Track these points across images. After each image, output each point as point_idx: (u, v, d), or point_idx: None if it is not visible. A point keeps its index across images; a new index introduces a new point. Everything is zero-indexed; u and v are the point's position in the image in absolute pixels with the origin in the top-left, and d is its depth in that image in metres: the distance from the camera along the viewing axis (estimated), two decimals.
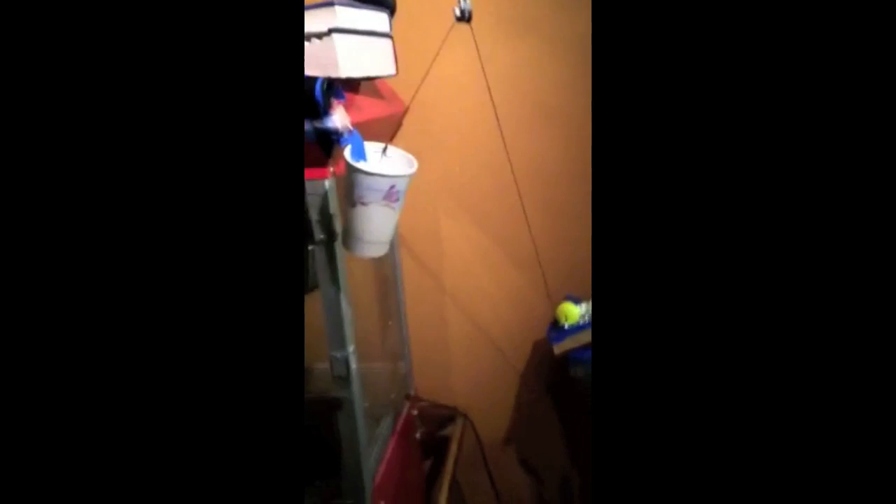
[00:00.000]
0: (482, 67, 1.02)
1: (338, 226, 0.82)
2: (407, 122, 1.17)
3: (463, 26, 1.13)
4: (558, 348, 1.16)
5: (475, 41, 0.96)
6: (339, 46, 0.78)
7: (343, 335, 0.86)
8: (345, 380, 0.87)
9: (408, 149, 0.81)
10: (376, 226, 0.76)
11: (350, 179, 0.73)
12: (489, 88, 1.04)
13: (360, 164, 0.73)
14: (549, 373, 1.34)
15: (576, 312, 1.18)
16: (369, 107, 0.94)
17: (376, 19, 0.91)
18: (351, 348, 0.87)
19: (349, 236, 0.78)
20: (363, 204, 0.73)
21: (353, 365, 0.88)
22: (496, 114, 1.07)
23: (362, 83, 0.95)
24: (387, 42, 0.95)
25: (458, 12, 0.88)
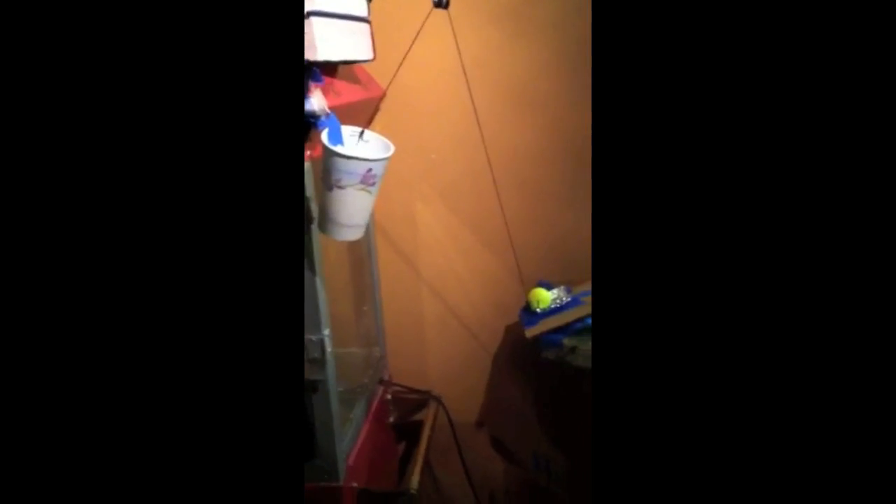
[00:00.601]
0: (459, 53, 1.03)
1: (314, 209, 0.82)
2: (384, 106, 1.17)
3: (440, 12, 1.13)
4: (530, 332, 1.19)
5: (452, 27, 0.97)
6: (318, 29, 0.78)
7: (318, 318, 0.86)
8: (319, 362, 0.88)
9: (385, 133, 0.82)
10: (353, 209, 0.77)
11: (327, 163, 0.73)
12: (465, 73, 1.05)
13: (338, 148, 0.73)
14: (521, 356, 1.37)
15: (548, 297, 1.21)
16: (347, 91, 0.94)
17: (354, 3, 0.90)
18: (326, 331, 0.88)
19: (325, 219, 0.78)
20: (340, 187, 0.74)
21: (329, 348, 0.88)
22: (472, 98, 1.08)
23: (340, 68, 0.95)
24: (365, 27, 0.94)
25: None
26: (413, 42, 0.91)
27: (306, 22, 0.77)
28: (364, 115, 1.14)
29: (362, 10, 0.93)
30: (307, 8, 0.77)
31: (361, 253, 1.29)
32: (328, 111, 0.76)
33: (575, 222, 1.28)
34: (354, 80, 1.03)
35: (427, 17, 0.91)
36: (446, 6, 0.89)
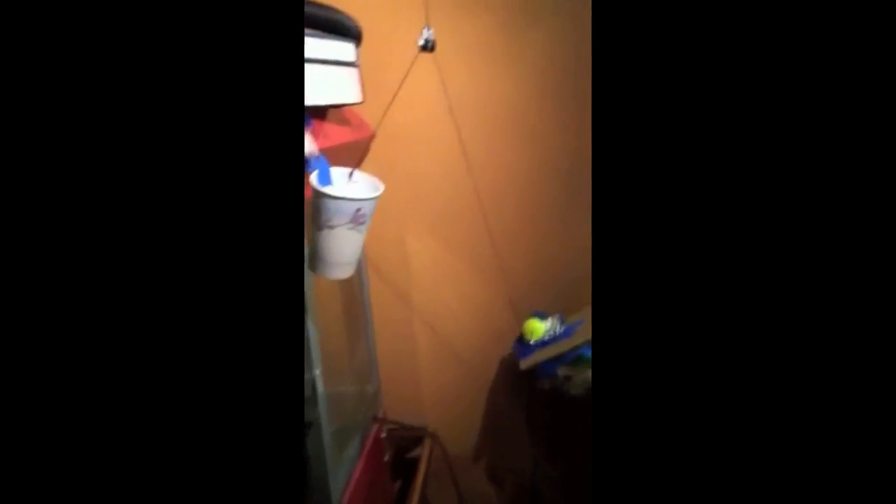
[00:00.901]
0: (446, 93, 1.06)
1: (304, 249, 0.83)
2: (374, 146, 1.20)
3: (426, 54, 1.17)
4: (524, 363, 1.19)
5: (439, 69, 1.00)
6: (306, 75, 0.80)
7: (310, 357, 0.86)
8: (312, 401, 0.88)
9: (375, 172, 0.83)
10: (343, 248, 0.78)
11: (317, 203, 0.75)
12: (452, 111, 1.07)
13: (327, 189, 0.74)
14: (516, 386, 1.37)
15: (541, 328, 1.21)
16: (336, 133, 0.96)
17: (342, 49, 0.93)
18: (317, 371, 0.88)
19: (316, 259, 0.79)
20: (330, 227, 0.75)
21: (320, 388, 0.88)
22: (459, 135, 1.11)
23: (329, 110, 0.98)
24: (353, 70, 0.97)
25: (421, 42, 0.91)
26: (401, 84, 0.94)
27: None
28: (354, 155, 1.17)
29: (350, 56, 0.96)
30: None
31: (353, 289, 1.29)
32: (317, 153, 0.78)
33: (564, 250, 1.29)
34: (344, 122, 1.05)
35: (414, 60, 0.94)
36: (432, 49, 0.92)
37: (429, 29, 0.92)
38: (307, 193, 0.80)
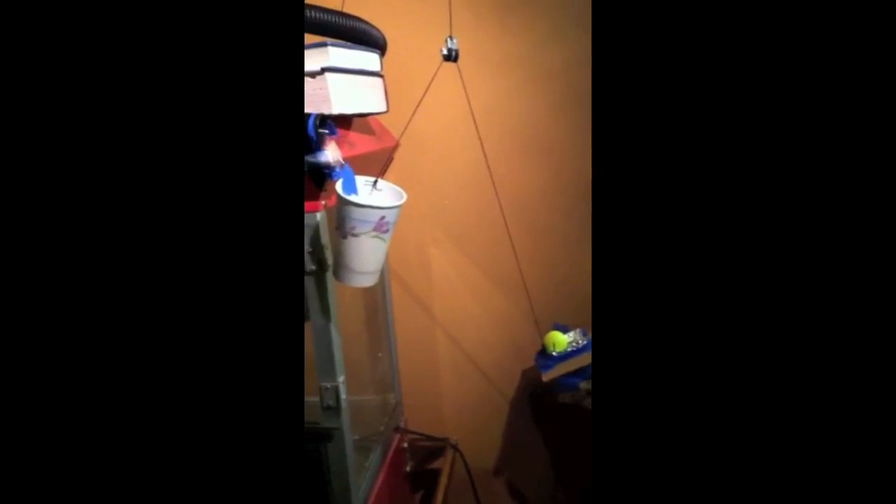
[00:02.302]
0: (469, 102, 1.06)
1: (328, 257, 0.83)
2: (398, 155, 1.21)
3: (450, 64, 1.17)
4: (547, 376, 1.18)
5: (462, 78, 1.00)
6: (332, 84, 0.81)
7: (333, 365, 0.86)
8: (335, 410, 0.88)
9: (398, 179, 0.84)
10: (367, 256, 0.78)
11: (341, 212, 0.75)
12: (475, 120, 1.08)
13: (351, 197, 0.75)
14: (538, 400, 1.35)
15: (563, 340, 1.20)
16: (361, 142, 0.97)
17: (368, 59, 0.94)
18: (341, 378, 0.88)
19: (340, 267, 0.80)
20: (354, 235, 0.75)
21: (343, 395, 0.88)
22: (482, 144, 1.11)
23: (354, 119, 0.98)
24: (378, 80, 0.98)
25: (445, 52, 0.92)
26: (424, 93, 0.95)
27: (321, 77, 0.81)
28: (378, 164, 1.17)
29: (375, 65, 0.97)
30: (322, 64, 0.81)
31: (376, 298, 1.30)
32: (342, 162, 0.78)
33: (585, 263, 1.28)
34: (368, 131, 1.06)
35: (437, 69, 0.95)
36: (455, 59, 0.93)
37: (452, 39, 0.92)
38: (331, 202, 0.81)
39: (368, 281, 0.81)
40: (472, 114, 1.08)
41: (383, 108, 1.00)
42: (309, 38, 0.81)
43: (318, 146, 0.77)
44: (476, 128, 1.09)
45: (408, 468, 1.31)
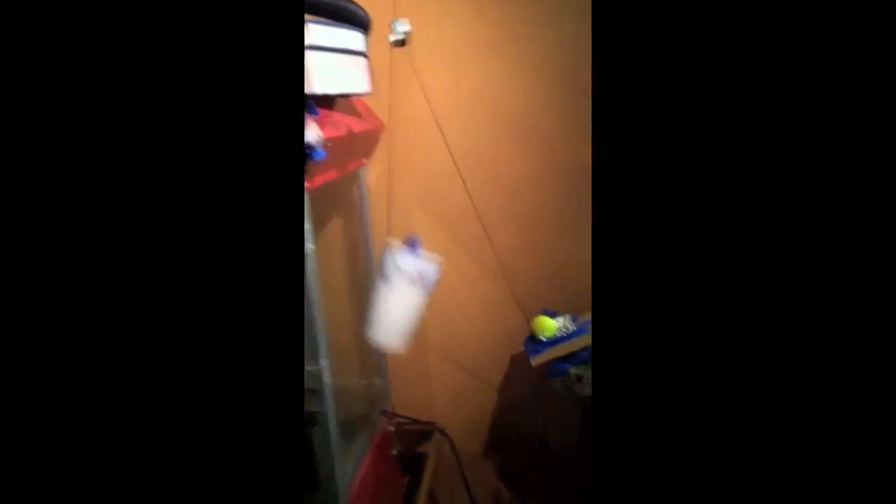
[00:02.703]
0: (458, 90, 1.04)
1: (311, 238, 0.83)
2: (386, 136, 1.19)
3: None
4: (535, 361, 1.18)
5: (454, 68, 0.99)
6: (313, 63, 0.80)
7: (317, 347, 0.86)
8: (318, 394, 0.87)
9: (390, 167, 0.82)
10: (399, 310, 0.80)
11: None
12: (464, 108, 1.06)
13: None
14: (527, 385, 1.35)
15: (553, 326, 1.20)
16: (345, 123, 0.96)
17: (351, 38, 0.93)
18: (325, 361, 0.87)
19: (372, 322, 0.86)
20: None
21: (327, 379, 0.88)
22: (471, 132, 1.10)
23: (338, 100, 0.97)
24: (362, 60, 0.97)
25: (391, 39, 0.89)
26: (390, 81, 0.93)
27: None
28: (364, 147, 1.16)
29: (359, 45, 0.96)
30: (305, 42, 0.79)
31: (363, 282, 1.29)
32: (324, 141, 0.77)
33: (575, 251, 1.27)
34: (353, 112, 1.04)
35: (390, 54, 0.93)
36: (403, 45, 0.90)
37: (402, 21, 0.88)
38: (313, 183, 0.80)
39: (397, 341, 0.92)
40: (462, 101, 1.06)
41: (367, 89, 0.98)
42: None
43: None
44: (465, 115, 1.07)
45: (395, 452, 1.31)
